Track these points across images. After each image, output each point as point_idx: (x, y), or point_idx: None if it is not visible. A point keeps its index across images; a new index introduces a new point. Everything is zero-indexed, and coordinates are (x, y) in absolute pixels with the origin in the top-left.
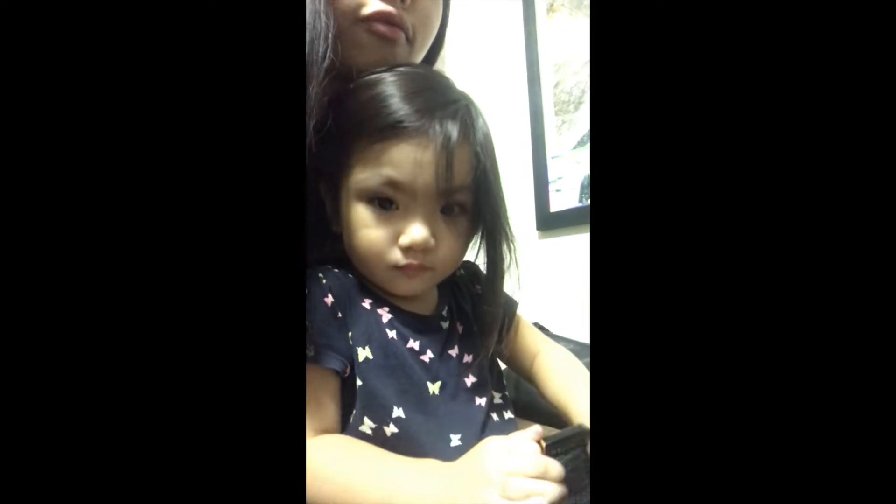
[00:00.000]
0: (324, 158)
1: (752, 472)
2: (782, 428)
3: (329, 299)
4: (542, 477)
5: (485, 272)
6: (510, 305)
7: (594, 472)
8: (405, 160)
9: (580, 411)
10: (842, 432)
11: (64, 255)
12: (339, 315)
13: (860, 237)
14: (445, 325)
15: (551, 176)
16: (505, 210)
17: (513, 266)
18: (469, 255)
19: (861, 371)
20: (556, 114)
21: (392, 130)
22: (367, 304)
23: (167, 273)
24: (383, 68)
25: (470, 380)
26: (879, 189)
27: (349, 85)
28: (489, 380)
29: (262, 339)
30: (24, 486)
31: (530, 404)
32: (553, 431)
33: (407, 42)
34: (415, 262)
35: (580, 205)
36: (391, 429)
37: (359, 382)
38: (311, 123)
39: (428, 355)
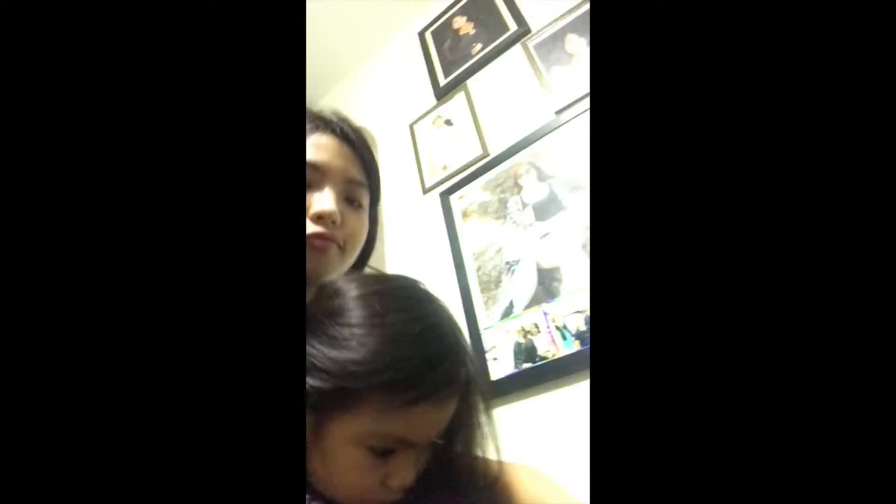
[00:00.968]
0: None
1: (753, 477)
2: (782, 429)
3: None
4: None
5: None
6: None
7: (594, 471)
8: None
9: None
10: (841, 432)
11: (62, 260)
12: None
13: (860, 237)
14: None
15: (486, 346)
16: None
17: None
18: None
19: (861, 371)
20: (482, 291)
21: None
22: None
23: (166, 277)
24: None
25: None
26: (879, 189)
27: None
28: None
29: (262, 348)
30: (24, 486)
31: None
32: None
33: (339, 249)
34: None
35: (516, 370)
36: None
37: None
38: None
39: None
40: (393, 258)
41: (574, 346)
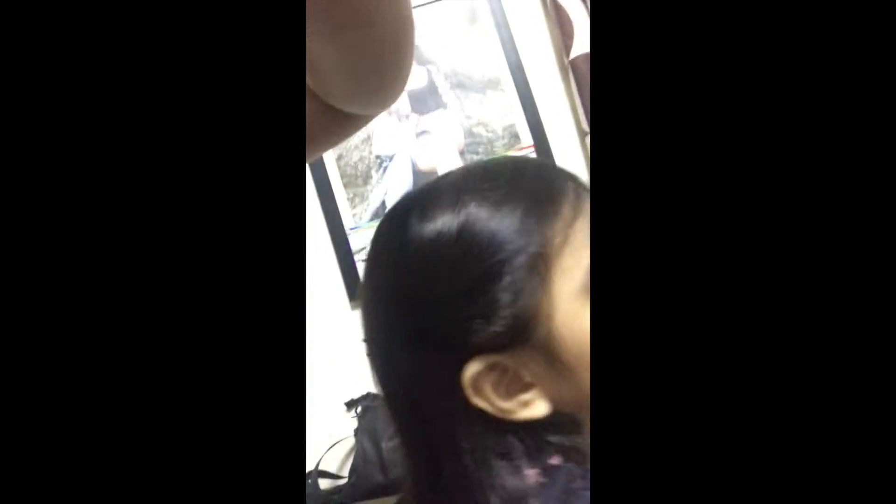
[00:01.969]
0: None
1: (754, 477)
2: (782, 428)
3: None
4: None
5: None
6: None
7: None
8: None
9: None
10: (842, 433)
11: (61, 259)
12: None
13: (860, 237)
14: None
15: (353, 247)
16: None
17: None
18: None
19: (861, 371)
20: (346, 187)
21: None
22: None
23: (164, 279)
24: None
25: None
26: (880, 189)
27: None
28: None
29: (263, 343)
30: (24, 485)
31: None
32: None
33: None
34: None
35: None
36: None
37: None
38: None
39: None
40: None
41: None
